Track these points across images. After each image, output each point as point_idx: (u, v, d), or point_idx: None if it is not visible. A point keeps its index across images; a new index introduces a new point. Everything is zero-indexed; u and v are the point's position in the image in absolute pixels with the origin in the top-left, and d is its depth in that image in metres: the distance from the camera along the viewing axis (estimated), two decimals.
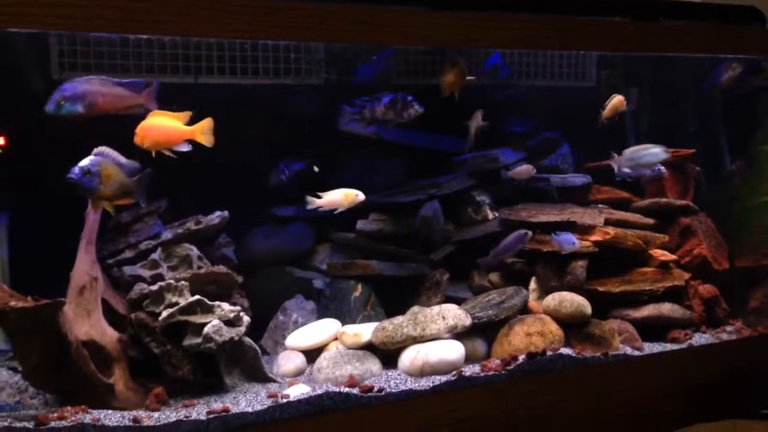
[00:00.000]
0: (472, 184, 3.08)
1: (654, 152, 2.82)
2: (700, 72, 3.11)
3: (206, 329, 2.25)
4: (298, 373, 2.50)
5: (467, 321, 2.56)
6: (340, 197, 2.59)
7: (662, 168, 3.06)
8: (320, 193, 2.60)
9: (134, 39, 2.46)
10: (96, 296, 2.28)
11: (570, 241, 2.67)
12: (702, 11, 2.91)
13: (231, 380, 2.37)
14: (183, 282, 2.37)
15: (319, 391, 2.22)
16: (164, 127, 2.16)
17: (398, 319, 2.54)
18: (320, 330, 2.62)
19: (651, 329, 2.79)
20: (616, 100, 2.83)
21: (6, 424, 1.91)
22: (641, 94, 3.12)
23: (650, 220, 3.06)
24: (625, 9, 2.69)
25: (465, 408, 2.36)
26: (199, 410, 2.14)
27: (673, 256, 2.96)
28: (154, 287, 2.33)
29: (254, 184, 2.84)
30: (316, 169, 2.81)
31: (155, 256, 2.53)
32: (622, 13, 2.68)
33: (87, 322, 2.22)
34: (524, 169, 3.02)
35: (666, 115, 2.96)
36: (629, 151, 2.83)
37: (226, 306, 2.34)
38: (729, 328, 2.97)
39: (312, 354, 2.55)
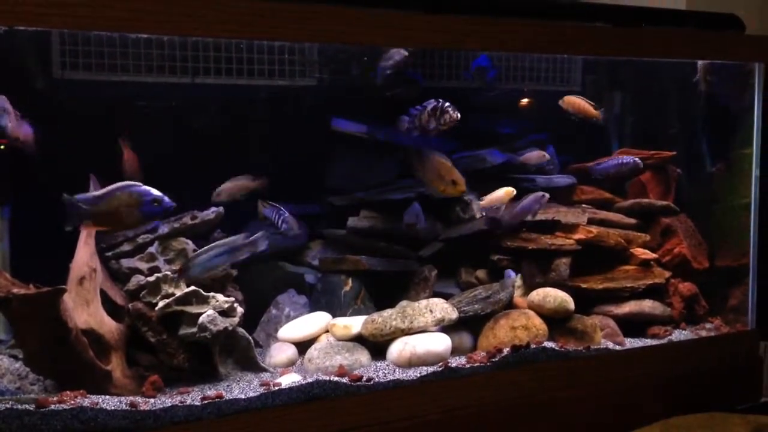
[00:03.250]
0: None
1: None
2: (682, 76, 3.18)
3: (201, 319, 2.31)
4: (290, 364, 2.55)
5: (454, 314, 2.63)
6: (501, 194, 2.84)
7: (638, 159, 3.14)
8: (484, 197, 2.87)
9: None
10: (95, 287, 2.34)
11: (508, 275, 2.90)
12: (683, 18, 3.00)
13: (225, 369, 2.43)
14: None
15: (310, 380, 2.29)
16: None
17: (387, 312, 2.60)
18: (311, 322, 2.67)
19: (632, 325, 2.87)
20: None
21: (8, 406, 1.97)
22: (624, 97, 3.18)
23: (632, 220, 3.14)
24: (609, 15, 2.78)
25: (451, 398, 2.42)
26: (194, 397, 2.20)
27: (654, 255, 3.04)
28: (151, 278, 2.39)
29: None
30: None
31: (152, 249, 2.58)
32: (606, 19, 2.77)
33: (86, 311, 2.27)
34: (535, 155, 3.12)
35: (649, 117, 3.03)
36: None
37: (220, 297, 2.40)
38: (708, 326, 3.05)
39: (303, 345, 2.60)
